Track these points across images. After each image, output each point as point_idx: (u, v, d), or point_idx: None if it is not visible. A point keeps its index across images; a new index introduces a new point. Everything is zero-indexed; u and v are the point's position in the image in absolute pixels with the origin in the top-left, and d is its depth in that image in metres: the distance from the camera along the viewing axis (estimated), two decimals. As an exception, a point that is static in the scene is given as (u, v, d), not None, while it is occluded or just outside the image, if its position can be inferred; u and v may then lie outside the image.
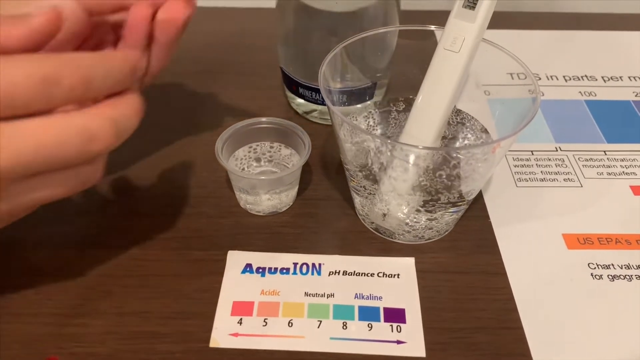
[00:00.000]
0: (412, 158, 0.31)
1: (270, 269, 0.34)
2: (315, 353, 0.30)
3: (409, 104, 0.38)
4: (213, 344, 0.30)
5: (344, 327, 0.31)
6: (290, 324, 0.31)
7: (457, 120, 0.37)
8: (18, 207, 0.24)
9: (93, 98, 0.23)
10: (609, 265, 0.34)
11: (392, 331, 0.31)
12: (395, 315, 0.31)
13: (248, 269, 0.34)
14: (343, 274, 0.33)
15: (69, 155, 0.22)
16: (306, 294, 0.32)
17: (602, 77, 0.50)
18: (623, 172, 0.40)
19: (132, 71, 0.24)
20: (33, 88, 0.20)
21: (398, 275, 0.33)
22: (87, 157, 0.23)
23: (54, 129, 0.21)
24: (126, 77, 0.24)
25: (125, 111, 0.24)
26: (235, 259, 0.34)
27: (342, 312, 0.31)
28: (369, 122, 0.38)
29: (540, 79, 0.49)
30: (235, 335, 0.30)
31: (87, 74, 0.22)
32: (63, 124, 0.21)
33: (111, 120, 0.23)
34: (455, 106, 0.37)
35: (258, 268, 0.34)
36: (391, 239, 0.35)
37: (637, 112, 0.46)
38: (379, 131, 0.37)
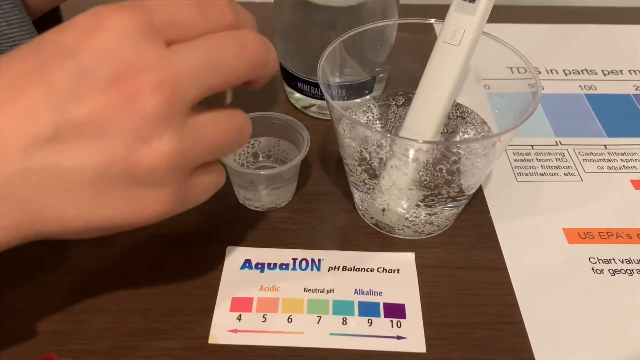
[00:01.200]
0: (412, 152, 0.31)
1: (269, 264, 0.33)
2: (315, 349, 0.30)
3: (408, 98, 0.38)
4: (212, 340, 0.30)
5: (344, 323, 0.31)
6: (289, 320, 0.31)
7: (457, 114, 0.37)
8: (197, 158, 0.24)
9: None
10: (609, 260, 0.34)
11: (392, 327, 0.30)
12: (395, 311, 0.31)
13: (247, 265, 0.33)
14: (342, 270, 0.33)
15: (229, 61, 0.23)
16: (306, 290, 0.32)
17: (602, 71, 0.49)
18: (623, 166, 0.40)
19: (254, 20, 0.26)
20: (195, 13, 0.23)
21: (398, 270, 0.33)
22: (244, 65, 0.24)
23: (212, 40, 0.23)
24: (253, 21, 0.26)
25: (264, 37, 0.25)
26: (234, 255, 0.34)
27: (342, 308, 0.31)
28: (368, 116, 0.38)
29: (540, 72, 0.49)
30: (235, 331, 0.30)
31: (231, 3, 0.25)
32: (219, 36, 0.24)
33: (258, 34, 0.25)
34: (455, 100, 0.37)
35: (257, 264, 0.33)
36: (391, 234, 0.35)
37: (638, 106, 0.46)
38: (378, 125, 0.37)
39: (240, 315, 0.31)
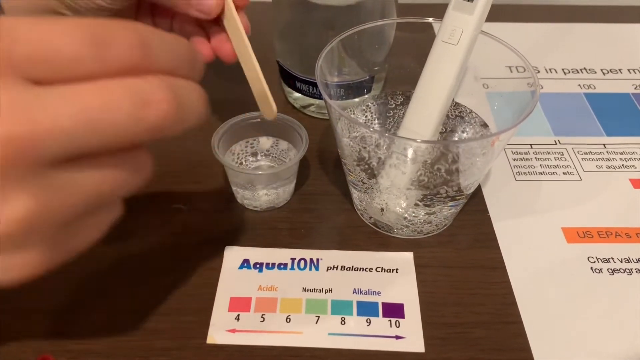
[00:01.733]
0: (410, 152, 0.31)
1: (267, 264, 0.33)
2: (314, 349, 0.29)
3: (407, 98, 0.38)
4: (210, 340, 0.30)
5: (342, 323, 0.30)
6: (288, 320, 0.31)
7: (455, 113, 0.37)
8: (66, 215, 0.19)
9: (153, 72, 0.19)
10: (608, 259, 0.34)
11: (391, 326, 0.30)
12: (394, 311, 0.31)
13: (245, 265, 0.33)
14: (341, 269, 0.33)
15: (118, 121, 0.18)
16: (304, 290, 0.32)
17: (602, 70, 0.49)
18: (622, 165, 0.40)
19: (190, 51, 0.21)
20: (81, 48, 0.17)
21: (396, 270, 0.33)
22: (141, 129, 0.18)
23: (99, 89, 0.18)
24: (186, 55, 0.21)
25: (187, 86, 0.20)
26: (233, 255, 0.34)
27: (341, 308, 0.31)
28: (366, 116, 0.38)
29: (539, 72, 0.49)
30: (233, 331, 0.30)
31: (143, 36, 0.19)
32: (111, 84, 0.18)
33: (170, 86, 0.19)
34: (453, 99, 0.37)
35: (255, 264, 0.33)
36: (389, 234, 0.35)
37: (637, 105, 0.46)
38: (376, 125, 0.37)
39: (238, 315, 0.31)
